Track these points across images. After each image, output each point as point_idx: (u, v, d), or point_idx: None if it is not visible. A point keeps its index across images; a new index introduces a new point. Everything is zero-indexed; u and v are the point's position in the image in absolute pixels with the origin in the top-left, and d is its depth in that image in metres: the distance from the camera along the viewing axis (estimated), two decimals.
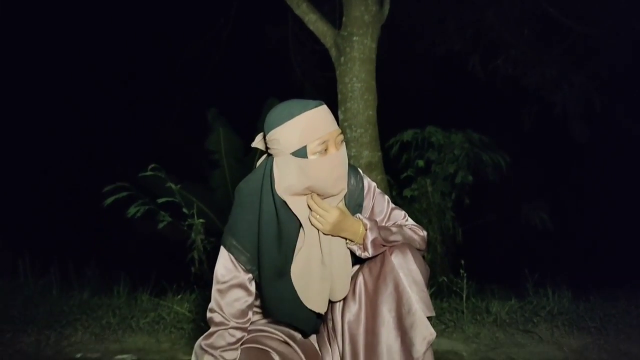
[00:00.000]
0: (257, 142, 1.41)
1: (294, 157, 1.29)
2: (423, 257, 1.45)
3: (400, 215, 1.51)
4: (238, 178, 1.44)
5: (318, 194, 1.32)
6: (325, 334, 1.48)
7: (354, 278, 1.39)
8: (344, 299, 1.39)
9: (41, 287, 3.08)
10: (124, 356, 2.30)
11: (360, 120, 3.25)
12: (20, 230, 4.95)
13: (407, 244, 1.40)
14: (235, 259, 1.37)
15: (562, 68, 4.66)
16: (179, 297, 2.82)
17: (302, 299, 1.34)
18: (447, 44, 5.34)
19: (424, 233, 1.48)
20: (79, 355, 2.32)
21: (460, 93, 6.59)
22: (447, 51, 5.40)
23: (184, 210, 3.12)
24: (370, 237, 1.36)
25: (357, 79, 3.25)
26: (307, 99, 1.32)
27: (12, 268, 3.32)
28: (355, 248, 1.39)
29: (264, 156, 1.42)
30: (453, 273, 3.39)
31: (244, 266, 1.37)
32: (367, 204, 1.48)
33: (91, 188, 3.58)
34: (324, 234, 1.35)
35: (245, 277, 1.38)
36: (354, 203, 1.45)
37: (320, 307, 1.36)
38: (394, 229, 1.42)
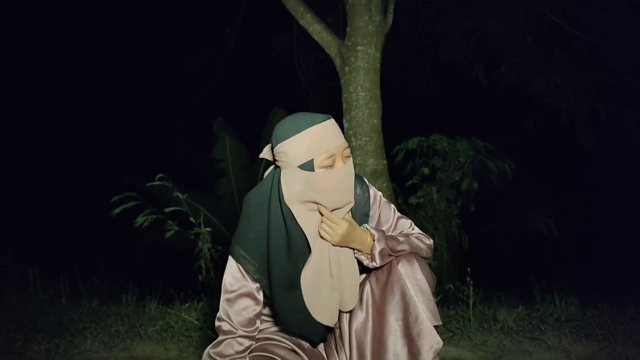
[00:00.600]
0: (265, 153, 1.44)
1: (301, 170, 1.31)
2: (429, 265, 1.47)
3: (406, 224, 1.53)
4: (244, 186, 1.47)
5: (325, 207, 1.34)
6: (332, 342, 1.50)
7: (361, 287, 1.41)
8: None
9: (51, 296, 3.10)
10: None
11: (365, 129, 3.27)
12: (30, 241, 5.00)
13: (413, 253, 1.41)
14: (244, 268, 1.39)
15: (567, 75, 4.66)
16: (187, 305, 2.84)
17: (311, 312, 1.34)
18: (450, 52, 5.36)
19: (430, 242, 1.50)
20: None
21: (465, 101, 6.60)
22: (451, 59, 5.42)
23: (191, 219, 3.14)
24: (378, 247, 1.38)
25: (362, 87, 3.28)
26: (315, 110, 1.35)
27: (22, 277, 3.36)
28: (363, 258, 1.40)
29: (272, 167, 1.45)
30: (459, 280, 3.38)
31: (252, 275, 1.39)
32: (373, 213, 1.49)
33: (100, 198, 3.62)
34: (332, 245, 1.36)
35: (253, 287, 1.39)
36: (361, 213, 1.47)
37: (330, 320, 1.36)
38: (401, 239, 1.44)
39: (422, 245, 1.47)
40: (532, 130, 5.33)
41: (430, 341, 1.29)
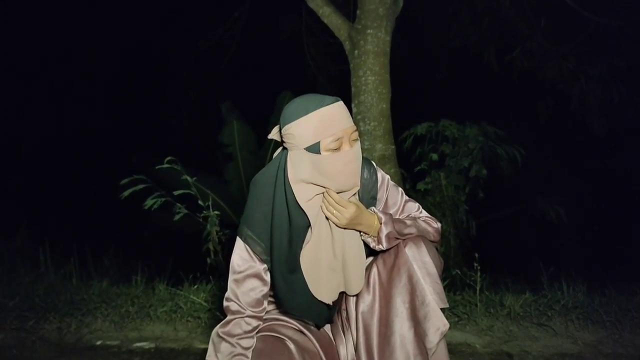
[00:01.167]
0: (274, 134, 1.43)
1: (307, 152, 1.30)
2: (437, 249, 1.46)
3: (414, 207, 1.52)
4: (252, 170, 1.47)
5: (331, 190, 1.33)
6: (339, 324, 1.51)
7: (368, 269, 1.41)
8: None
9: (62, 277, 3.15)
10: (143, 344, 2.36)
11: (373, 114, 3.25)
12: (41, 223, 5.06)
13: (421, 237, 1.41)
14: (251, 249, 1.39)
15: (579, 60, 4.58)
16: (195, 287, 2.87)
17: (311, 289, 1.35)
18: (462, 36, 5.29)
19: (438, 225, 1.49)
20: (98, 343, 2.39)
21: (476, 86, 6.52)
22: (462, 43, 5.35)
23: (200, 202, 3.15)
24: (385, 231, 1.38)
25: (371, 72, 3.25)
26: (324, 94, 1.33)
27: (34, 258, 3.41)
28: (369, 240, 1.40)
29: (280, 148, 1.44)
30: (467, 266, 3.38)
31: (259, 256, 1.39)
32: (380, 196, 1.49)
33: (109, 181, 3.65)
34: (338, 227, 1.36)
35: (261, 267, 1.40)
36: (368, 196, 1.46)
37: (328, 298, 1.37)
38: (408, 222, 1.43)
39: (429, 229, 1.46)
40: (544, 115, 5.27)
41: (437, 323, 1.30)
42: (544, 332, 2.37)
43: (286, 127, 1.32)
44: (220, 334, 1.39)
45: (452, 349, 2.21)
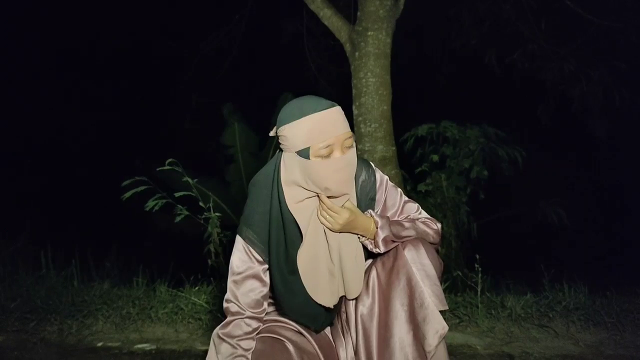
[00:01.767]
0: (274, 132, 1.44)
1: (298, 156, 1.30)
2: (437, 250, 1.46)
3: (413, 208, 1.51)
4: (253, 172, 1.47)
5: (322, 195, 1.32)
6: (339, 327, 1.51)
7: (367, 272, 1.41)
8: None
9: (63, 278, 3.16)
10: (144, 345, 2.36)
11: (374, 115, 3.25)
12: (42, 224, 5.08)
13: (420, 239, 1.40)
14: (250, 250, 1.40)
15: (581, 62, 4.58)
16: (196, 288, 2.87)
17: (309, 291, 1.35)
18: (463, 38, 5.29)
19: (437, 226, 1.49)
20: (100, 344, 2.39)
21: (477, 87, 6.52)
22: (463, 45, 5.35)
23: (201, 204, 3.16)
24: (381, 235, 1.37)
25: (372, 73, 3.25)
26: (325, 97, 1.32)
27: (36, 260, 3.42)
28: (367, 243, 1.40)
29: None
30: (468, 267, 3.38)
31: (258, 257, 1.40)
32: (379, 197, 1.48)
33: (110, 183, 3.65)
34: (333, 232, 1.35)
35: (260, 268, 1.40)
36: (367, 197, 1.46)
37: (328, 302, 1.37)
38: (406, 224, 1.43)
39: (429, 230, 1.46)
40: (545, 117, 5.26)
41: (436, 326, 1.30)
42: (545, 334, 2.37)
43: (280, 128, 1.32)
44: (221, 335, 1.40)
45: (453, 350, 2.21)
